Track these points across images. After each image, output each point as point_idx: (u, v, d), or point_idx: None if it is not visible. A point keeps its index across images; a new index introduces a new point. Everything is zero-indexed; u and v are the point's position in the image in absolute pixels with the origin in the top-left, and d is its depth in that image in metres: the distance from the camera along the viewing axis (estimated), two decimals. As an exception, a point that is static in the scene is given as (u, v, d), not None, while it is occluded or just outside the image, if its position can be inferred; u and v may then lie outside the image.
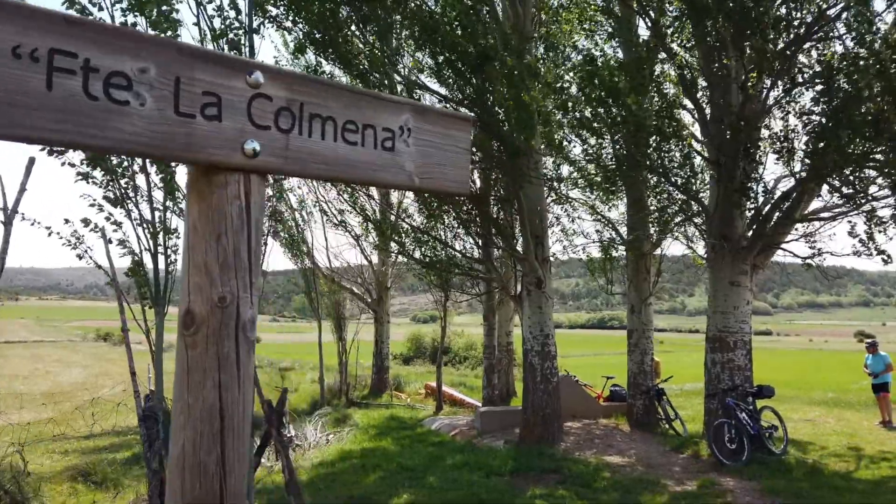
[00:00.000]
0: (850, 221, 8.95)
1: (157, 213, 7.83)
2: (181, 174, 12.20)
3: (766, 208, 9.10)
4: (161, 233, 7.84)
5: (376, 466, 9.48)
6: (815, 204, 9.84)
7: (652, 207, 11.73)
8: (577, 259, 13.82)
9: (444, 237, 12.31)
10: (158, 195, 7.79)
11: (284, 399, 2.88)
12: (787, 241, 9.70)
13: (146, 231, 7.85)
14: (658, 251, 12.86)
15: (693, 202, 9.65)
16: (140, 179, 7.68)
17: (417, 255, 11.61)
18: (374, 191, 11.83)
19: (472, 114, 9.18)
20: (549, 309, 10.85)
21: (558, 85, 10.32)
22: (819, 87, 8.06)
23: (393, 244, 11.94)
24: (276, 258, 40.22)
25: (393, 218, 13.57)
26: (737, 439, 8.91)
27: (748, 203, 9.13)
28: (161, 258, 7.94)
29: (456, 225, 11.73)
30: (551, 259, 11.57)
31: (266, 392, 3.36)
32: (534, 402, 10.69)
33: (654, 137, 8.73)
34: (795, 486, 7.65)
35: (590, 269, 13.63)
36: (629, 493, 7.64)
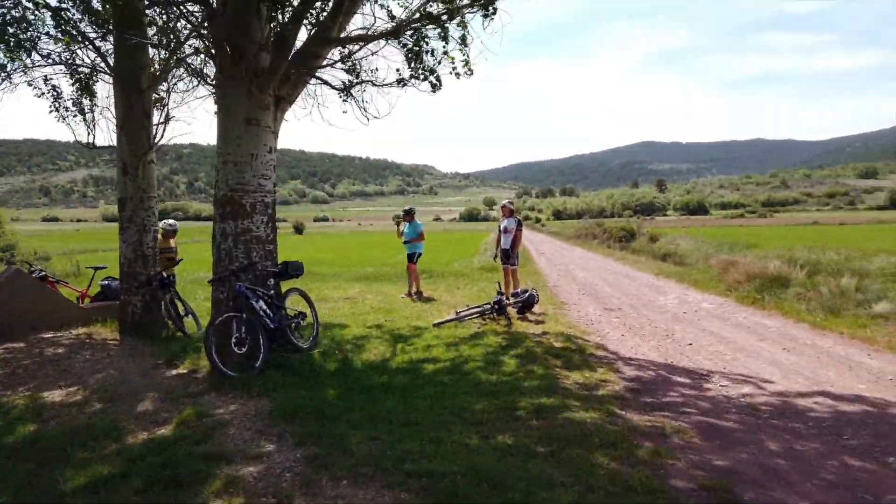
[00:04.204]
0: (401, 42, 6.83)
1: None
2: None
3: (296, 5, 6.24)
4: None
5: None
6: (359, 23, 7.52)
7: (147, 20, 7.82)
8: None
9: None
10: None
11: None
12: (323, 67, 7.16)
13: None
14: (165, 86, 9.08)
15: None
16: None
17: None
18: None
19: None
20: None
21: None
22: None
23: None
24: None
25: None
26: (249, 339, 6.30)
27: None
28: None
29: None
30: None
31: None
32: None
33: None
34: (320, 398, 5.43)
35: (55, 109, 8.95)
36: (6, 460, 4.25)
